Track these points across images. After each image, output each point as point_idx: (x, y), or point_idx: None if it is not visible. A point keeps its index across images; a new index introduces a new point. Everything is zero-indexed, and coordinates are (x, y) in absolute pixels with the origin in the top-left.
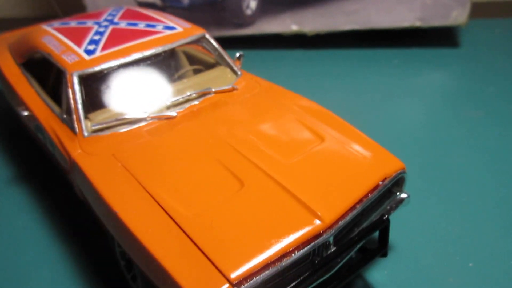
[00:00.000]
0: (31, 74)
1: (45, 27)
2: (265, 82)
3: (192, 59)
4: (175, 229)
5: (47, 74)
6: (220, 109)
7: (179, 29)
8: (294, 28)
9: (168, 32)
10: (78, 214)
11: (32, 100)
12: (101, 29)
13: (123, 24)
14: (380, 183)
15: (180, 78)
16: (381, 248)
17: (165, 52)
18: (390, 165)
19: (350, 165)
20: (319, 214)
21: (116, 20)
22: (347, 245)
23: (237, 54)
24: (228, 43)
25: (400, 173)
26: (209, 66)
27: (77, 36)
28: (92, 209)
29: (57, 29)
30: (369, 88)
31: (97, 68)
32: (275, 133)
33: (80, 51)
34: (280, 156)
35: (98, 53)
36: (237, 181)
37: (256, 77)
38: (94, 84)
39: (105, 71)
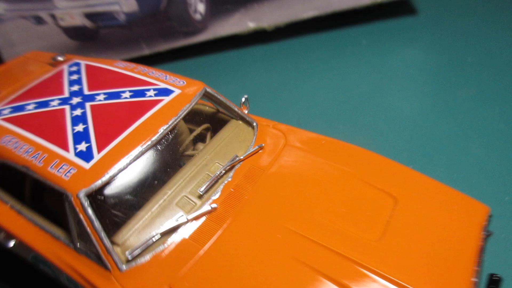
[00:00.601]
0: None
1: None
2: (284, 127)
3: (192, 119)
4: None
5: (17, 185)
6: (260, 182)
7: (177, 91)
8: (251, 25)
9: (166, 98)
10: None
11: (15, 223)
12: (77, 112)
13: (101, 98)
14: (482, 240)
15: (194, 150)
16: None
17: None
18: (478, 212)
19: (440, 226)
20: None
21: (87, 91)
22: None
23: (243, 99)
24: (179, 53)
25: (489, 216)
26: (215, 122)
27: (51, 131)
28: None
29: (12, 121)
30: (346, 75)
31: (105, 178)
32: (338, 202)
33: (71, 156)
34: (359, 232)
35: (97, 156)
36: (329, 280)
37: (271, 121)
38: (105, 197)
39: (115, 177)
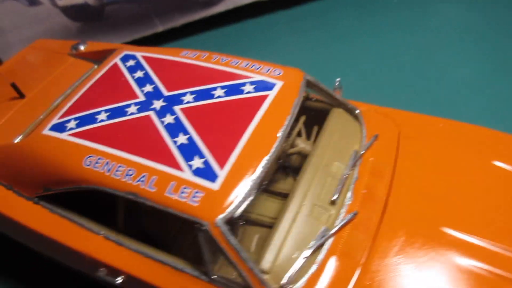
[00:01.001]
0: (68, 212)
1: (64, 136)
2: (388, 111)
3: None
4: None
5: (104, 211)
6: (388, 177)
7: (278, 83)
8: None
9: (270, 94)
10: None
11: (117, 255)
12: (169, 120)
13: (189, 99)
14: None
15: (298, 144)
16: None
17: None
18: None
19: None
20: None
21: (166, 92)
22: None
23: (336, 83)
24: (196, 26)
25: None
26: (315, 111)
27: (148, 147)
28: None
29: (87, 137)
30: (383, 38)
31: (240, 199)
32: (481, 192)
33: (189, 176)
34: None
35: (221, 173)
36: None
37: (372, 106)
38: (239, 220)
39: (248, 196)
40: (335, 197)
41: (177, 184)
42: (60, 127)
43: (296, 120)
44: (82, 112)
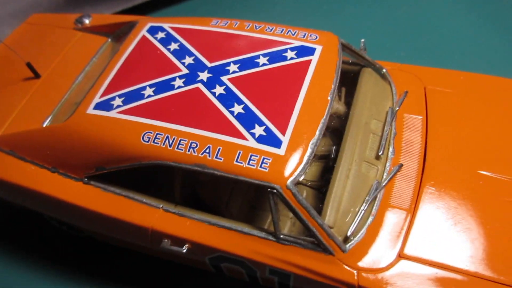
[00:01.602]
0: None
1: (113, 114)
2: (412, 68)
3: None
4: None
5: (158, 185)
6: (423, 130)
7: (318, 47)
8: None
9: (312, 58)
10: None
11: (179, 226)
12: (219, 90)
13: (234, 68)
14: None
15: (335, 106)
16: None
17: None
18: None
19: None
20: None
21: (209, 63)
22: None
23: (362, 43)
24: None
25: None
26: (344, 72)
27: (204, 119)
28: None
29: (138, 113)
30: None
31: (306, 161)
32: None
33: (254, 144)
34: None
35: (284, 139)
36: None
37: (395, 64)
38: (301, 180)
39: (311, 158)
40: (381, 153)
41: (243, 153)
42: (105, 105)
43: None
44: (125, 89)
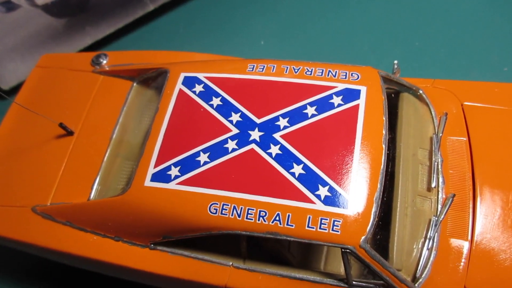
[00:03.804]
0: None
1: (173, 186)
2: (445, 82)
3: None
4: None
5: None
6: (467, 153)
7: (362, 89)
8: None
9: (359, 103)
10: None
11: (255, 280)
12: (275, 150)
13: (284, 123)
14: None
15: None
16: None
17: None
18: None
19: None
20: None
21: (257, 119)
22: None
23: (395, 65)
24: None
25: None
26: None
27: (267, 184)
28: None
29: (199, 183)
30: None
31: (373, 217)
32: None
33: (322, 207)
34: None
35: (349, 197)
36: None
37: (428, 80)
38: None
39: (377, 212)
40: (434, 185)
41: (313, 217)
42: (163, 177)
43: None
44: (178, 157)
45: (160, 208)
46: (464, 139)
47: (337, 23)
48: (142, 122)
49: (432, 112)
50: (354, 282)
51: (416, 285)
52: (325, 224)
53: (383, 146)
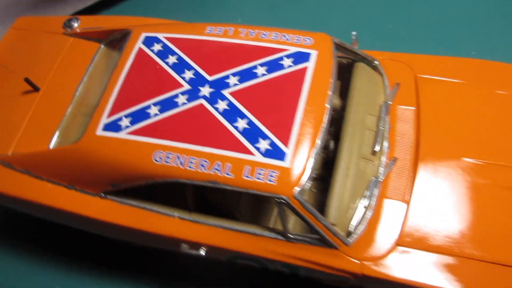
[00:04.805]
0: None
1: (123, 135)
2: (403, 57)
3: None
4: None
5: (172, 197)
6: (416, 121)
7: (313, 53)
8: None
9: (308, 65)
10: None
11: (196, 231)
12: (223, 106)
13: (234, 81)
14: None
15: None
16: None
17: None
18: None
19: None
20: None
21: (209, 77)
22: None
23: (353, 37)
24: None
25: None
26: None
27: (212, 136)
28: None
29: (147, 133)
30: None
31: (309, 171)
32: (498, 121)
33: (261, 159)
34: None
35: (288, 151)
36: None
37: (383, 53)
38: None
39: (314, 166)
40: (377, 149)
41: (251, 168)
42: (114, 126)
43: None
44: (130, 108)
45: (110, 156)
46: (413, 108)
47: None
48: (105, 82)
49: (385, 82)
50: (290, 235)
51: (349, 239)
52: (262, 174)
53: (327, 106)
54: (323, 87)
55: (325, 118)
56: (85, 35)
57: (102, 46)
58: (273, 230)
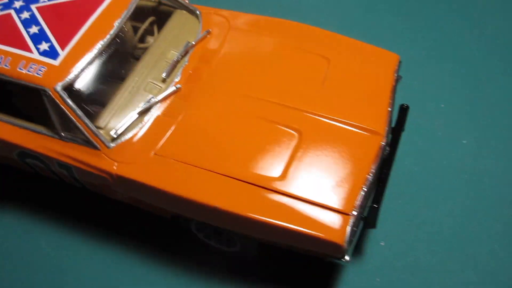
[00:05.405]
0: None
1: None
2: (227, 13)
3: (135, 16)
4: (269, 193)
5: None
6: (214, 62)
7: None
8: None
9: None
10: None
11: None
12: (25, 15)
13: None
14: (394, 81)
15: (146, 43)
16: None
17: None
18: (390, 60)
19: (363, 74)
20: (375, 129)
21: None
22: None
23: None
24: None
25: (400, 62)
26: (159, 15)
27: (6, 36)
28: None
29: None
30: None
31: (76, 71)
32: (285, 68)
33: (37, 56)
34: (304, 89)
35: (62, 53)
36: (293, 130)
37: (213, 9)
38: (79, 89)
39: (84, 70)
40: (164, 75)
41: (26, 62)
42: None
43: (145, 20)
44: None
45: None
46: (215, 53)
47: None
48: None
49: (199, 28)
50: (62, 134)
51: (111, 143)
52: (32, 68)
53: (115, 25)
54: (117, 12)
55: (109, 35)
56: None
57: None
58: (51, 129)
